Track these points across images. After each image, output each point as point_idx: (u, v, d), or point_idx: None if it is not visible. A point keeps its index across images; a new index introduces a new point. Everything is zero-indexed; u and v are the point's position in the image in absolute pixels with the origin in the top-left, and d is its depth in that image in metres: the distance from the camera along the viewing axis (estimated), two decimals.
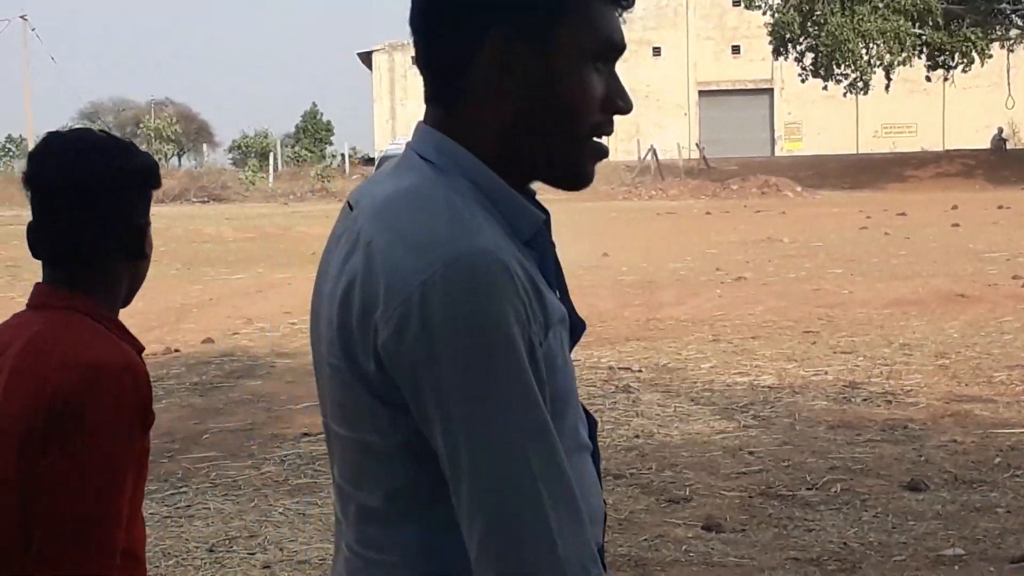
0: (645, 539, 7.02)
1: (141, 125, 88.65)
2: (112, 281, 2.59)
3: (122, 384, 2.40)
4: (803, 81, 65.24)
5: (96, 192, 2.51)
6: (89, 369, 2.39)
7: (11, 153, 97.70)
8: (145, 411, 2.46)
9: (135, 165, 2.57)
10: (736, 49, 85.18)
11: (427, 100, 1.89)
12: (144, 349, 2.64)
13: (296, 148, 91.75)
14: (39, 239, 2.57)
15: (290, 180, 70.76)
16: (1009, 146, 72.03)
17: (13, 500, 2.40)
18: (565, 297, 1.92)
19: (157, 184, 2.63)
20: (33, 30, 77.28)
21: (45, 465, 2.37)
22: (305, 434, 9.67)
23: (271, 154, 72.57)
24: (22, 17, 74.96)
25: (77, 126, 2.75)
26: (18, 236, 37.56)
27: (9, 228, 43.53)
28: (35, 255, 2.59)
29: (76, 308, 2.53)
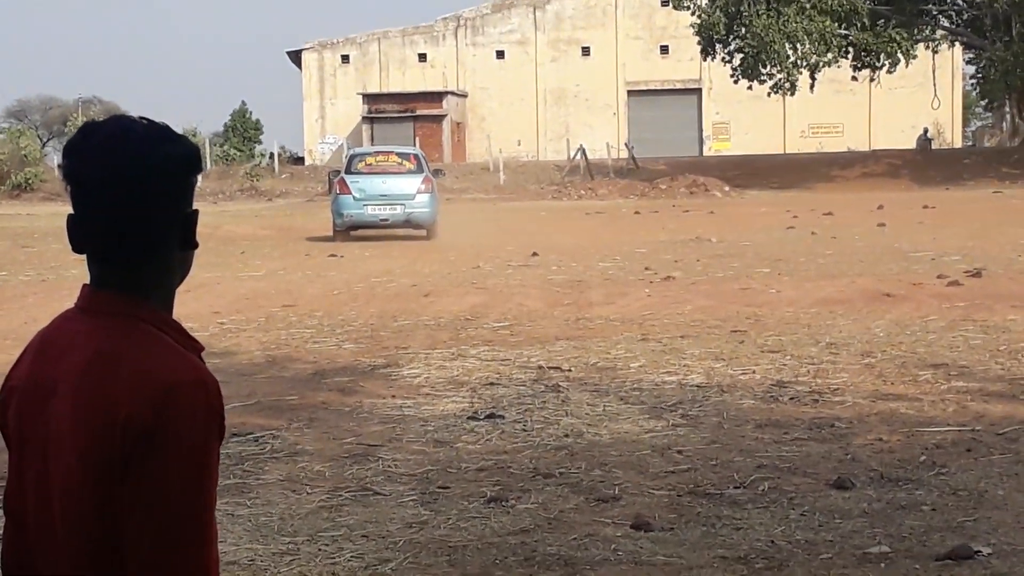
0: (574, 538, 7.04)
1: (68, 123, 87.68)
2: (167, 275, 2.50)
3: (196, 400, 2.34)
4: (735, 82, 65.60)
5: (146, 181, 2.41)
6: (162, 390, 2.32)
7: None
8: (220, 423, 2.40)
9: (180, 150, 2.47)
10: (665, 49, 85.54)
11: None
12: (203, 349, 2.55)
13: (225, 147, 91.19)
14: (85, 234, 2.44)
15: (219, 179, 70.35)
16: (934, 146, 72.73)
17: (96, 531, 2.34)
18: None
19: (200, 169, 2.54)
20: None
21: (127, 492, 2.30)
22: (235, 434, 9.62)
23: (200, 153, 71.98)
24: None
25: (113, 116, 2.63)
26: None
27: None
28: (79, 250, 2.47)
29: (137, 316, 2.44)
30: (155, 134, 2.45)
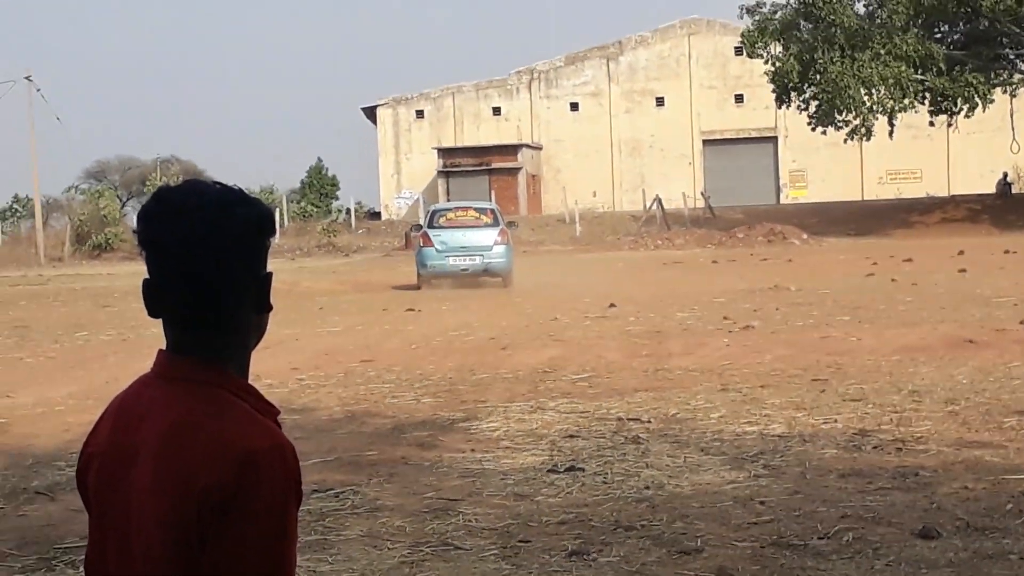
0: None
1: (147, 183, 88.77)
2: (243, 339, 2.51)
3: (274, 468, 2.35)
4: (812, 129, 65.35)
5: (220, 246, 2.42)
6: (240, 459, 2.33)
7: (18, 214, 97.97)
8: (297, 487, 2.41)
9: (253, 214, 2.48)
10: (739, 98, 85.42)
11: None
12: (279, 413, 2.56)
13: (302, 203, 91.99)
14: (160, 299, 2.46)
15: (296, 235, 70.94)
16: (1014, 190, 72.06)
17: None
18: None
19: (274, 232, 2.55)
20: (39, 91, 77.35)
21: (208, 561, 2.32)
22: (315, 491, 9.64)
23: (277, 210, 72.75)
24: (27, 78, 75.21)
25: (184, 180, 2.64)
26: (26, 296, 37.74)
27: (16, 289, 43.65)
28: (154, 315, 2.48)
29: (214, 383, 2.45)
30: (228, 198, 2.46)
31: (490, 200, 59.13)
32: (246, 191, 2.54)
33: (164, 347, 2.50)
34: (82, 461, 2.56)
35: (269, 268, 2.56)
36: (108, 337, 23.30)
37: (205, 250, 2.41)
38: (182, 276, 2.42)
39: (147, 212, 2.46)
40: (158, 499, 2.36)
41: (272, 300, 2.56)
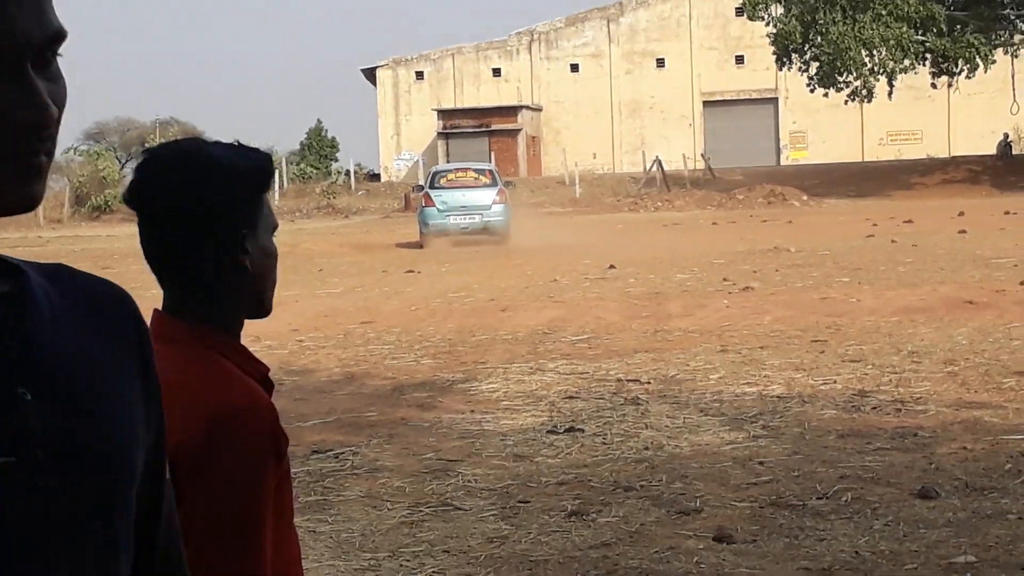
0: (656, 551, 7.00)
1: (146, 145, 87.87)
2: (232, 298, 2.50)
3: (247, 427, 2.35)
4: (812, 91, 65.24)
5: (206, 207, 2.41)
6: (212, 416, 2.33)
7: None
8: (274, 444, 2.40)
9: (245, 172, 2.45)
10: (740, 59, 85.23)
11: None
12: (268, 370, 2.56)
13: (301, 165, 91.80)
14: (151, 259, 2.48)
15: (296, 197, 70.87)
16: (1015, 151, 71.96)
17: None
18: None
19: (268, 186, 2.52)
20: None
21: (182, 517, 2.33)
22: (315, 451, 9.67)
23: (277, 171, 72.55)
24: None
25: (175, 139, 2.61)
26: (26, 258, 37.69)
27: (16, 251, 43.58)
28: (154, 271, 2.51)
29: (198, 341, 2.46)
30: (216, 157, 2.44)
31: (490, 162, 59.47)
32: (244, 145, 2.52)
33: (158, 307, 2.51)
34: None
35: (276, 224, 2.55)
36: None
37: (188, 209, 2.40)
38: (168, 236, 2.43)
39: (136, 171, 2.46)
40: None
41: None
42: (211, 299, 2.47)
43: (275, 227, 2.57)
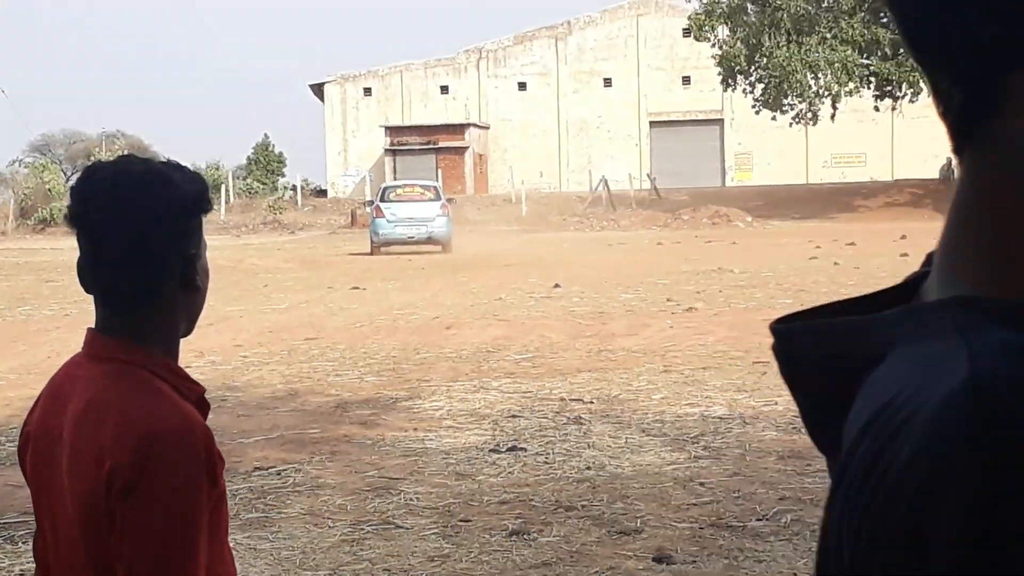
0: (596, 571, 7.03)
1: (92, 158, 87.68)
2: (169, 318, 2.50)
3: (180, 450, 2.34)
4: (757, 113, 65.65)
5: (145, 227, 2.41)
6: (142, 441, 2.32)
7: None
8: (209, 466, 2.38)
9: (184, 193, 2.46)
10: (687, 80, 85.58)
11: None
12: (204, 391, 2.56)
13: (248, 180, 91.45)
14: (90, 277, 2.47)
15: (242, 212, 70.57)
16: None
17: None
18: None
19: (207, 209, 2.52)
20: None
21: (114, 540, 2.32)
22: (256, 468, 9.65)
23: (223, 186, 72.30)
24: None
25: (119, 155, 2.62)
26: None
27: None
28: (88, 291, 2.50)
29: (134, 362, 2.44)
30: (154, 177, 2.45)
31: (436, 179, 60.79)
32: (183, 166, 2.53)
33: (92, 326, 2.51)
34: (21, 439, 2.58)
35: (207, 245, 2.56)
36: (51, 312, 23.17)
37: (127, 229, 2.41)
38: (106, 255, 2.43)
39: (75, 189, 2.46)
40: (72, 480, 2.37)
41: (214, 277, 2.56)
42: (152, 319, 2.47)
43: (205, 246, 2.58)
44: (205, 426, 2.43)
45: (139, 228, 2.41)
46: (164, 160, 2.56)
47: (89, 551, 2.35)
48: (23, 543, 7.75)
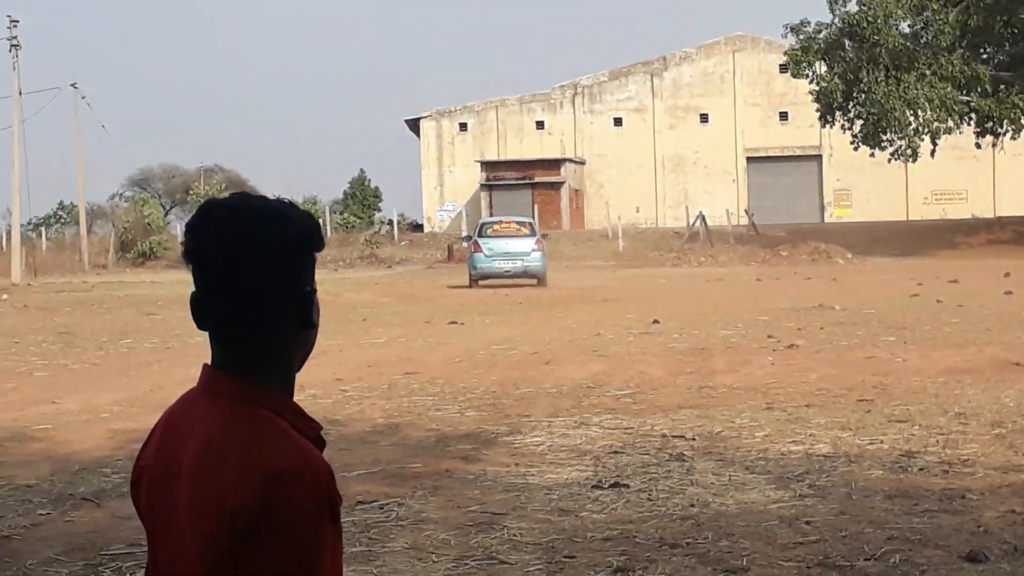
0: None
1: (191, 192, 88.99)
2: (284, 355, 2.49)
3: (303, 489, 2.32)
4: (855, 148, 65.22)
5: (262, 264, 2.41)
6: (267, 480, 2.31)
7: (63, 220, 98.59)
8: (331, 504, 2.37)
9: (298, 230, 2.46)
10: (784, 115, 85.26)
11: None
12: (321, 429, 2.54)
13: (344, 214, 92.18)
14: (206, 313, 2.47)
15: (339, 246, 71.12)
16: None
17: None
18: None
19: (320, 246, 2.52)
20: (83, 98, 77.88)
21: None
22: (359, 502, 9.66)
23: (320, 220, 72.87)
24: (72, 85, 75.76)
25: (232, 192, 2.62)
26: (71, 303, 37.97)
27: (62, 295, 43.90)
28: (201, 328, 2.49)
29: (255, 400, 2.44)
30: (271, 214, 2.45)
31: (532, 214, 61.37)
32: (295, 203, 2.53)
33: (208, 362, 2.51)
34: (135, 474, 2.57)
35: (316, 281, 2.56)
36: (152, 345, 23.40)
37: (245, 266, 2.40)
38: (222, 291, 2.43)
39: (191, 226, 2.46)
40: (194, 518, 2.36)
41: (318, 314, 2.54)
42: (268, 355, 2.46)
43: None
44: (326, 464, 2.40)
45: (256, 265, 2.41)
46: (277, 197, 2.56)
47: None
48: (130, 574, 7.79)
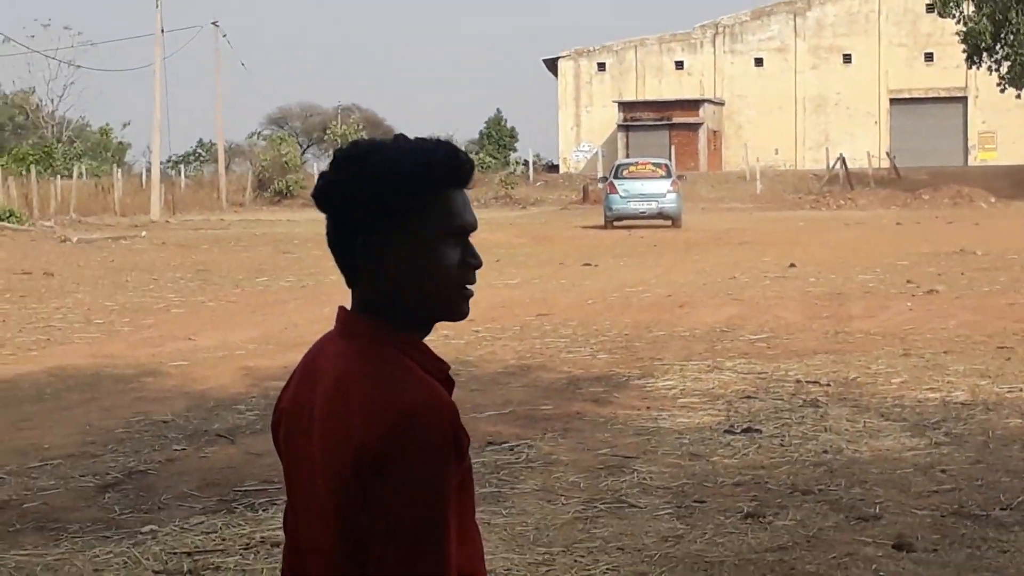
0: (834, 557, 6.88)
1: (328, 131, 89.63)
2: (414, 296, 2.45)
3: (429, 427, 2.32)
4: (1002, 91, 63.85)
5: (386, 207, 2.40)
6: (392, 418, 2.31)
7: (202, 158, 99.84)
8: (456, 444, 2.36)
9: (417, 165, 2.41)
10: (929, 56, 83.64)
11: None
12: (448, 368, 2.51)
13: (480, 154, 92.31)
14: (335, 255, 2.47)
15: (474, 187, 71.27)
16: None
17: (343, 557, 2.38)
18: None
19: (457, 180, 2.46)
20: (224, 36, 78.67)
21: (366, 520, 2.33)
22: (490, 443, 9.69)
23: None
24: (214, 23, 76.46)
25: (371, 137, 2.59)
26: (208, 241, 38.54)
27: (199, 232, 44.59)
28: (340, 269, 2.50)
29: (381, 340, 2.43)
30: (396, 153, 2.42)
31: (669, 156, 61.15)
32: (430, 138, 2.48)
33: (330, 297, 2.51)
34: (275, 415, 2.59)
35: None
36: (288, 283, 23.67)
37: (366, 207, 2.40)
38: (349, 232, 2.42)
39: (325, 171, 2.47)
40: (324, 456, 2.37)
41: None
42: (395, 297, 2.44)
43: (470, 227, 2.49)
44: (451, 403, 2.40)
45: (381, 206, 2.40)
46: (408, 137, 2.52)
47: (340, 527, 2.35)
48: (263, 511, 7.89)
